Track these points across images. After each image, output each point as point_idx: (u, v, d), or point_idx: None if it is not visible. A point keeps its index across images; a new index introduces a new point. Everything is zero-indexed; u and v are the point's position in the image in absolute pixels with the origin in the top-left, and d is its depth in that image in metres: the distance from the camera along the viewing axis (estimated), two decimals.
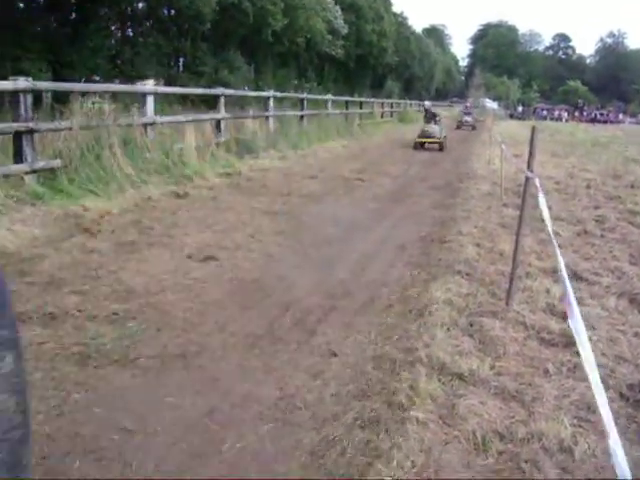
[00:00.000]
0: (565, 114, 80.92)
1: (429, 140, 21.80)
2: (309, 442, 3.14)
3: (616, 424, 3.35)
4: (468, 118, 39.86)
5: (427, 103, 24.00)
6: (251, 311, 4.97)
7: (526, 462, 2.96)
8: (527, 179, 4.75)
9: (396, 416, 3.32)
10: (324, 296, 5.41)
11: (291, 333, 4.55)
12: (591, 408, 3.50)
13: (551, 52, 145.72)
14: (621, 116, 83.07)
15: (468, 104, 49.51)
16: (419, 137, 22.09)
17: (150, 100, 11.32)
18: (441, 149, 21.55)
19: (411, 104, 54.72)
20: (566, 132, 39.44)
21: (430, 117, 22.31)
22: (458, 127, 38.27)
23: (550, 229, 3.78)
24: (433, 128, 21.86)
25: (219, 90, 15.18)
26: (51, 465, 2.86)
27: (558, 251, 3.12)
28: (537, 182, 4.54)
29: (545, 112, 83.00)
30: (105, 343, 4.16)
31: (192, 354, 4.11)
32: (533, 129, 4.69)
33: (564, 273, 2.82)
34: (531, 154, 4.71)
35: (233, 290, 5.46)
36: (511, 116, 75.40)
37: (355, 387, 3.73)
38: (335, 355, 4.19)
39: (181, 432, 3.19)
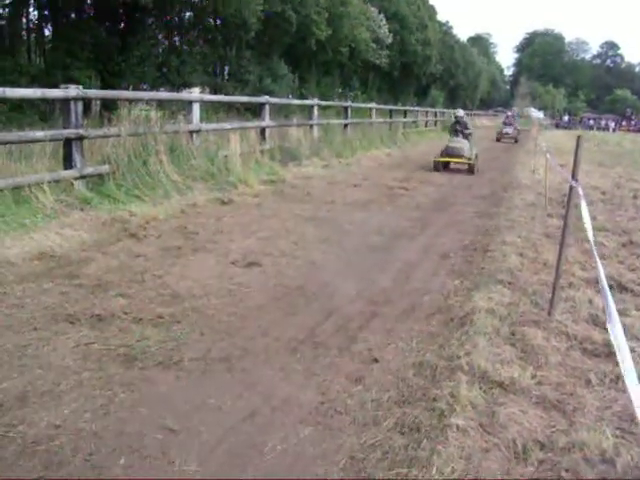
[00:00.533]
0: (612, 124, 79.57)
1: (454, 159, 17.34)
2: (349, 446, 3.17)
3: None
4: (509, 130, 36.47)
5: (460, 111, 18.99)
6: (294, 317, 5.02)
7: (567, 471, 2.94)
8: (571, 188, 4.72)
9: (436, 423, 3.34)
10: (366, 303, 5.44)
11: (333, 339, 4.58)
12: (633, 420, 3.47)
13: (599, 60, 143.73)
14: None
15: (510, 113, 47.06)
16: (441, 155, 17.53)
17: (196, 108, 11.48)
18: (471, 171, 17.09)
19: None
20: (613, 142, 38.85)
21: (460, 129, 17.78)
22: (498, 140, 35.58)
23: (591, 235, 3.75)
24: (461, 144, 17.25)
25: (264, 98, 15.32)
26: (97, 461, 2.94)
27: (597, 256, 3.10)
28: (580, 191, 4.51)
29: (592, 122, 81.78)
30: (150, 345, 4.25)
31: (235, 358, 4.17)
32: (578, 138, 4.66)
33: (602, 276, 2.81)
34: (576, 163, 4.69)
35: (276, 296, 5.52)
36: (557, 126, 74.53)
37: (396, 393, 3.74)
38: (376, 361, 4.21)
39: (223, 433, 3.24)
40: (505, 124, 38.21)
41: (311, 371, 4.03)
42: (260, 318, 4.92)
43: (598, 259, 3.02)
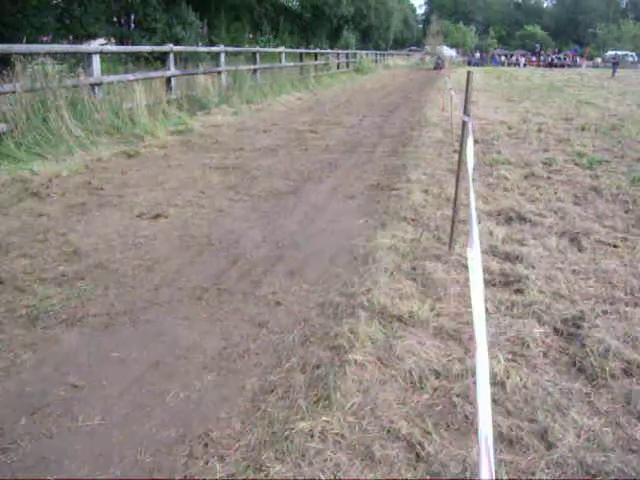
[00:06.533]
0: (522, 59, 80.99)
1: None
2: (251, 388, 3.23)
3: (547, 356, 3.53)
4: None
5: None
6: (199, 265, 5.03)
7: (458, 396, 3.09)
8: (464, 123, 4.83)
9: (336, 360, 3.43)
10: (272, 248, 5.48)
11: (237, 285, 4.62)
12: (525, 344, 3.65)
13: None
14: (579, 60, 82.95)
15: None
16: None
17: (96, 60, 11.14)
18: None
19: (367, 54, 54.27)
20: (523, 77, 39.52)
21: None
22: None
23: (470, 168, 3.85)
24: None
25: (167, 47, 14.89)
26: None
27: (472, 190, 3.20)
28: (470, 125, 4.62)
29: (503, 58, 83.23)
30: (53, 304, 4.21)
31: (139, 310, 4.17)
32: (468, 74, 4.75)
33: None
34: (466, 100, 4.79)
35: (182, 246, 5.51)
36: (468, 63, 75.37)
37: (299, 334, 3.82)
38: (279, 304, 4.28)
39: (127, 385, 3.26)
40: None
41: (215, 318, 4.07)
42: (165, 269, 4.92)
43: (472, 193, 3.12)
